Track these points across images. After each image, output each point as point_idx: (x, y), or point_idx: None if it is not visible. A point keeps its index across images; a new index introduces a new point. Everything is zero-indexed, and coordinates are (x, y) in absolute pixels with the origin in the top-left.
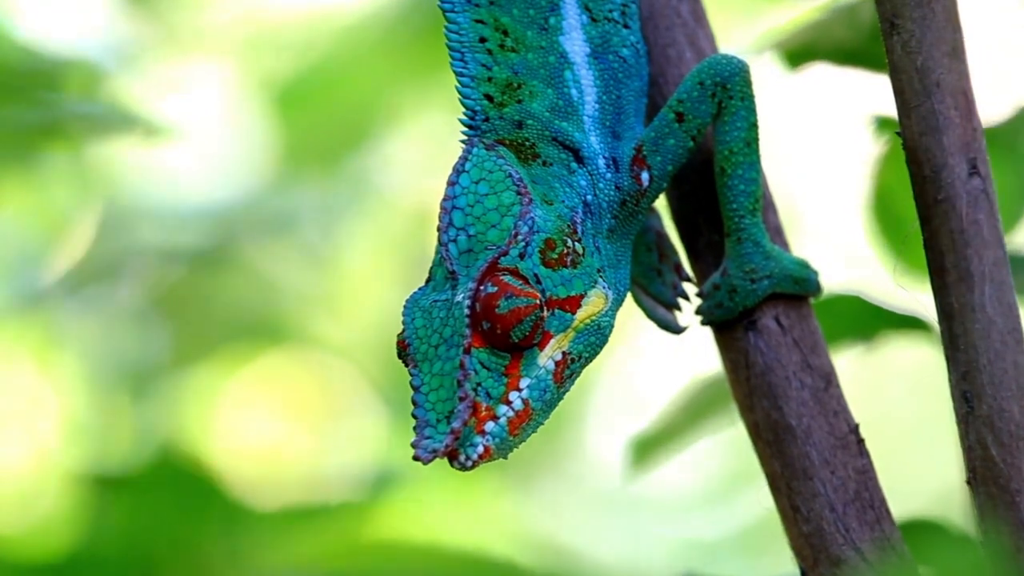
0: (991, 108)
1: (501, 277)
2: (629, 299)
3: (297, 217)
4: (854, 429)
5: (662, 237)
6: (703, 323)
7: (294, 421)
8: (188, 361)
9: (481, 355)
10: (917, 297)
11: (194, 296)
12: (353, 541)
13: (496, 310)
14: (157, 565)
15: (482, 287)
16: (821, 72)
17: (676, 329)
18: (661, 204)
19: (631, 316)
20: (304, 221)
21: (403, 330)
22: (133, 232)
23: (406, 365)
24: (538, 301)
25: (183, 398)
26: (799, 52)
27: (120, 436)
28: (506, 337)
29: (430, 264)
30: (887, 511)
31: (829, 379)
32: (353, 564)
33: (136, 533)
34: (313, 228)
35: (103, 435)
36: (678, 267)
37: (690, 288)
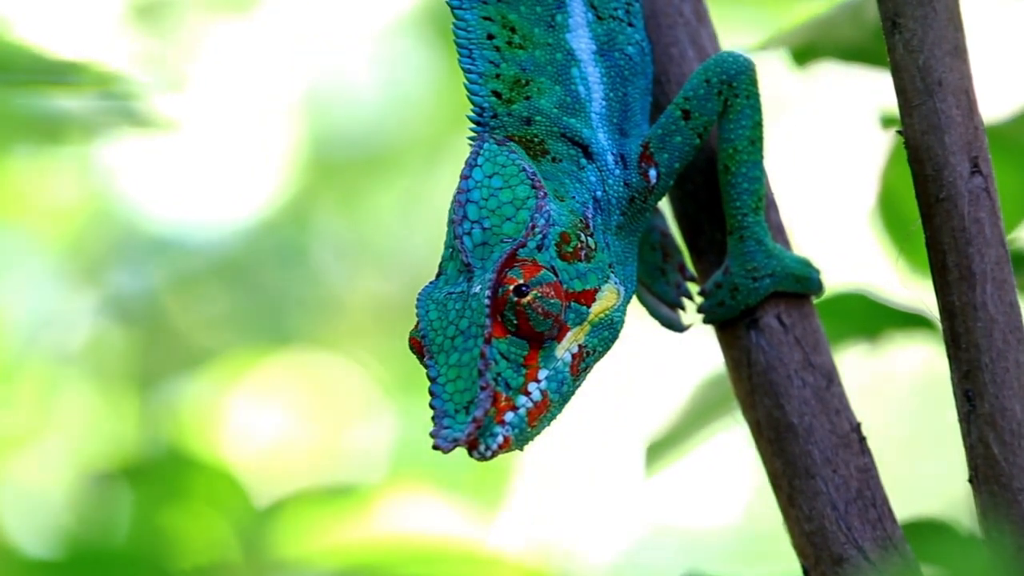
0: (993, 107)
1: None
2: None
3: (311, 245)
4: (856, 428)
5: (666, 236)
6: (705, 321)
7: (302, 421)
8: (193, 365)
9: (501, 345)
10: (920, 296)
11: (201, 303)
12: (362, 534)
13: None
14: (168, 558)
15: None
16: (826, 70)
17: (679, 328)
18: (664, 203)
19: (634, 314)
20: (319, 249)
21: (417, 323)
22: (147, 243)
23: (420, 359)
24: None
25: (190, 401)
26: (805, 50)
27: (130, 435)
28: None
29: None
30: (889, 510)
31: (831, 377)
32: (362, 557)
33: (146, 526)
34: (328, 256)
35: (114, 434)
36: (682, 266)
37: (693, 287)
